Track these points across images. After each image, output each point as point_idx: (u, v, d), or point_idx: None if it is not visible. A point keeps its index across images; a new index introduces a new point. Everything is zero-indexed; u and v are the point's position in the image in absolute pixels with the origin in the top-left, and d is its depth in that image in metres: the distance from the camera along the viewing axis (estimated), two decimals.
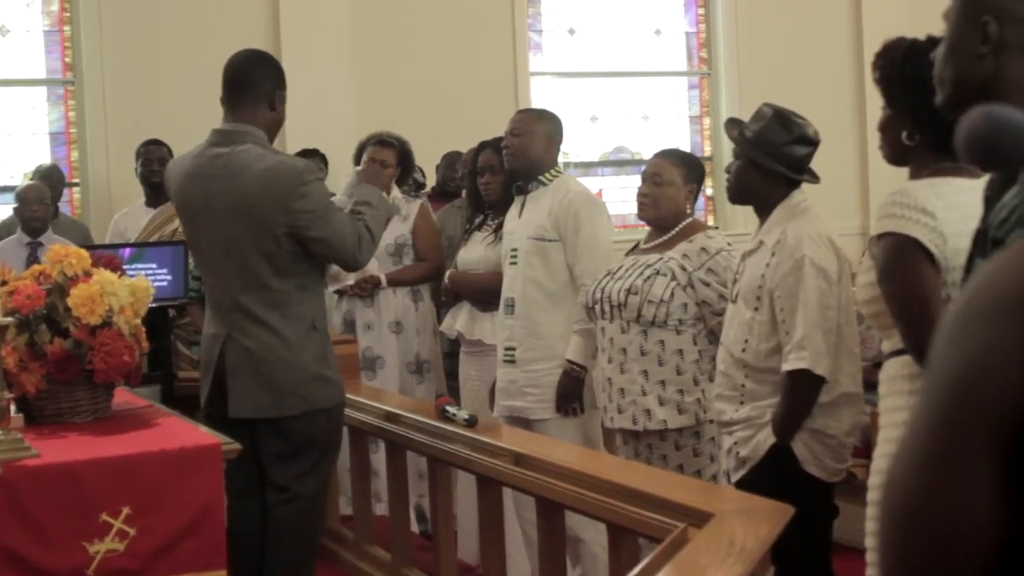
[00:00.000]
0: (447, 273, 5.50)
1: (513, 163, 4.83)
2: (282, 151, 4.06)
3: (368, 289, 5.81)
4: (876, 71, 2.97)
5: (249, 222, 3.96)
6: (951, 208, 2.70)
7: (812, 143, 3.73)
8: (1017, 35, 2.10)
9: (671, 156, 4.43)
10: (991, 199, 1.97)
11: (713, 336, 4.10)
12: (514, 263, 4.78)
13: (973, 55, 2.11)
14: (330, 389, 4.08)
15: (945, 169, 2.78)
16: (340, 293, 5.93)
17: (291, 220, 3.92)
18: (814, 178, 3.74)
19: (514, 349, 4.73)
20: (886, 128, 2.97)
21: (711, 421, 4.07)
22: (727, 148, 3.92)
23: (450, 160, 7.39)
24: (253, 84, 4.06)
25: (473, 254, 5.37)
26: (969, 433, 0.97)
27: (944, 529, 0.97)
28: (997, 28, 2.09)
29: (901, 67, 2.89)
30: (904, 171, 2.94)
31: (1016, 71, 2.09)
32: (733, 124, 3.85)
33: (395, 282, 5.85)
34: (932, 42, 2.71)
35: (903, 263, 2.71)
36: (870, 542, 2.84)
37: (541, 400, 4.66)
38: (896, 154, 2.95)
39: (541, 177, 4.79)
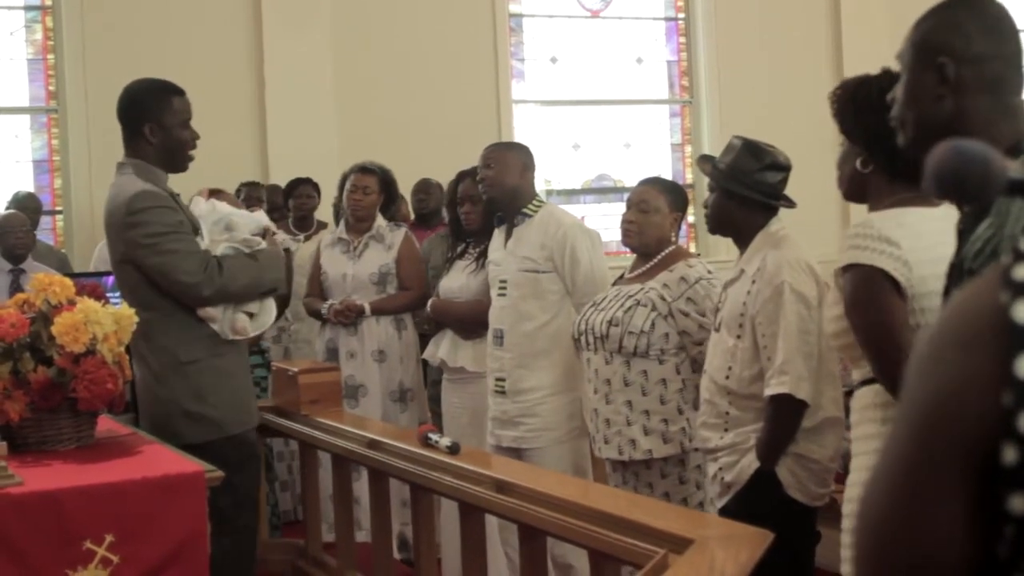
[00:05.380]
0: (429, 302, 5.52)
1: (491, 193, 4.86)
2: (153, 181, 4.04)
3: (351, 317, 5.82)
4: (832, 106, 3.02)
5: (109, 252, 4.09)
6: (914, 237, 2.74)
7: (784, 168, 3.78)
8: (973, 74, 2.14)
9: (657, 184, 4.46)
10: (965, 232, 2.00)
11: (696, 365, 4.12)
12: (503, 294, 4.80)
13: (932, 96, 2.15)
14: (200, 426, 3.99)
15: (905, 199, 2.82)
16: (323, 321, 5.95)
17: (126, 249, 3.97)
18: (790, 203, 3.78)
19: (504, 380, 4.76)
20: (843, 162, 3.02)
21: (696, 449, 4.09)
22: None
23: (420, 187, 7.43)
24: (126, 120, 4.15)
25: (455, 283, 5.39)
26: (941, 462, 0.98)
27: (917, 556, 0.99)
28: (954, 69, 2.13)
29: (853, 94, 2.94)
30: None
31: (975, 109, 2.13)
32: (705, 159, 3.91)
33: (379, 311, 5.86)
34: (887, 74, 2.76)
35: (870, 294, 2.74)
36: (846, 569, 2.86)
37: (533, 429, 4.70)
38: (853, 188, 3.00)
39: (525, 209, 4.81)
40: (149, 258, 3.95)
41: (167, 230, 3.97)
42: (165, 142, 4.10)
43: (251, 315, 4.16)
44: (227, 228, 4.20)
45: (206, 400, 4.02)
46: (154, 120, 4.09)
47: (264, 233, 4.30)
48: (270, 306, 4.26)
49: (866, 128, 2.87)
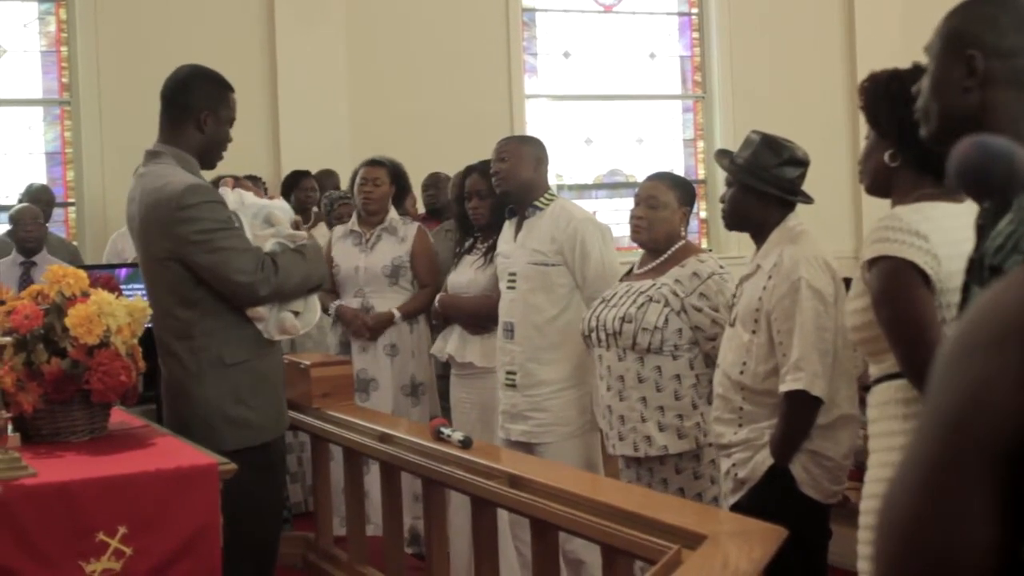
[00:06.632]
0: (437, 297, 5.51)
1: (504, 186, 4.85)
2: (194, 173, 3.87)
3: (381, 331, 5.83)
4: (862, 98, 3.00)
5: (144, 248, 3.90)
6: (941, 231, 2.71)
7: (802, 163, 3.76)
8: (1002, 68, 2.12)
9: (665, 179, 4.43)
10: (984, 227, 1.99)
11: (709, 360, 4.11)
12: (512, 287, 4.80)
13: (959, 88, 2.14)
14: (239, 431, 3.83)
15: (929, 195, 2.80)
16: (335, 319, 5.95)
17: (173, 246, 3.77)
18: (807, 199, 3.76)
19: (515, 374, 4.76)
20: (868, 155, 2.99)
21: (711, 444, 4.08)
22: (720, 171, 3.94)
23: (430, 181, 7.44)
24: (179, 104, 3.91)
25: (463, 277, 5.38)
26: (967, 461, 0.97)
27: (941, 556, 0.97)
28: (983, 62, 2.12)
29: (886, 86, 2.92)
30: None
31: (1001, 103, 2.12)
32: (723, 154, 3.88)
33: (408, 314, 5.87)
34: (917, 70, 2.74)
35: (900, 287, 2.71)
36: (863, 565, 2.85)
37: (543, 424, 4.70)
38: (878, 182, 2.97)
39: (536, 202, 4.81)
40: (200, 256, 3.75)
41: (218, 227, 3.78)
42: (214, 135, 3.93)
43: (296, 313, 3.98)
44: (267, 221, 4.00)
45: (246, 403, 3.86)
46: (211, 110, 3.91)
47: (296, 225, 4.10)
48: (314, 303, 4.06)
49: (900, 121, 2.84)
